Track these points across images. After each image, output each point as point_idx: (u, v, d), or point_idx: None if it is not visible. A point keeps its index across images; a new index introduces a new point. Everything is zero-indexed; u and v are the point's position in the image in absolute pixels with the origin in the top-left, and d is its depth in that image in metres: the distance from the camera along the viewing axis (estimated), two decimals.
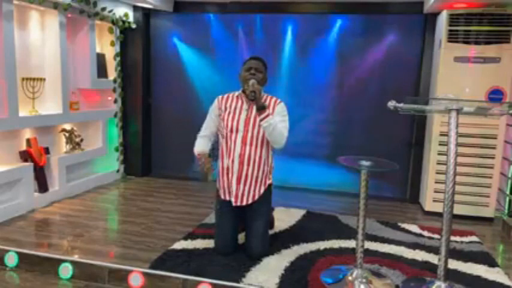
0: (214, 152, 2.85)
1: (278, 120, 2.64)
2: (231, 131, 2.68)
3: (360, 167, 2.37)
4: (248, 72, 2.69)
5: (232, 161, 2.68)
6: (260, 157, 2.69)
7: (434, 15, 3.96)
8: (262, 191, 2.73)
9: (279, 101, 2.75)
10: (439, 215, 2.53)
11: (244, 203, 2.71)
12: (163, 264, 2.55)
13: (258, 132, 2.65)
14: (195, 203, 3.93)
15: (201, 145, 2.79)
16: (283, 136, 2.64)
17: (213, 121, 2.80)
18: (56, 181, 3.89)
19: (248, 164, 2.67)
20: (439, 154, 3.76)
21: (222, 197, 2.76)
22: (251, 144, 2.67)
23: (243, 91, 2.69)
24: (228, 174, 2.71)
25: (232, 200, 2.71)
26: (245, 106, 2.70)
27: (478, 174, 3.69)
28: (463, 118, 2.56)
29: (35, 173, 3.62)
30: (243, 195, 2.70)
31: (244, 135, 2.67)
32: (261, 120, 2.57)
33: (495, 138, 3.64)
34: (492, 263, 2.79)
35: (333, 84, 4.50)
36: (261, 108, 2.56)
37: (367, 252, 2.75)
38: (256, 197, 2.72)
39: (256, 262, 2.63)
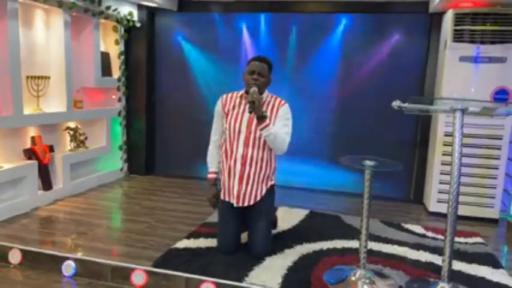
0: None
1: (280, 126, 2.63)
2: (234, 131, 2.68)
3: (364, 167, 2.36)
4: (251, 76, 2.64)
5: (235, 161, 2.67)
6: (262, 158, 2.68)
7: (440, 15, 3.94)
8: (264, 192, 2.72)
9: (283, 102, 2.73)
10: (443, 215, 2.52)
11: (245, 204, 2.70)
12: (166, 263, 2.55)
13: (261, 134, 2.64)
14: (198, 202, 3.93)
15: (211, 160, 2.83)
16: (284, 143, 2.63)
17: (220, 121, 2.80)
18: (60, 179, 3.91)
19: (250, 165, 2.66)
20: (443, 155, 3.74)
21: (223, 197, 2.76)
22: (253, 146, 2.66)
23: (246, 92, 2.68)
24: (229, 175, 2.71)
25: (234, 201, 2.70)
26: (248, 107, 2.68)
27: (482, 175, 3.66)
28: (468, 118, 2.55)
29: (39, 170, 3.64)
30: (244, 196, 2.69)
31: (246, 136, 2.66)
32: (261, 129, 2.56)
33: (500, 138, 3.61)
34: (496, 265, 2.77)
35: (337, 84, 4.48)
36: (261, 118, 2.54)
37: (371, 252, 2.74)
38: (258, 198, 2.71)
39: (259, 261, 2.63)
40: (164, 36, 4.88)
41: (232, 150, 2.69)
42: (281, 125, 2.64)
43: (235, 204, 2.70)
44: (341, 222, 3.50)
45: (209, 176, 2.84)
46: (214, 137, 2.84)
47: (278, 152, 2.68)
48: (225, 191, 2.75)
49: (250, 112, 2.53)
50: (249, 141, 2.66)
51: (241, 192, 2.69)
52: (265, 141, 2.65)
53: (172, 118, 4.95)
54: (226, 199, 2.74)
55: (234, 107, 2.72)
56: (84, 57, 4.22)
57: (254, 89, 2.55)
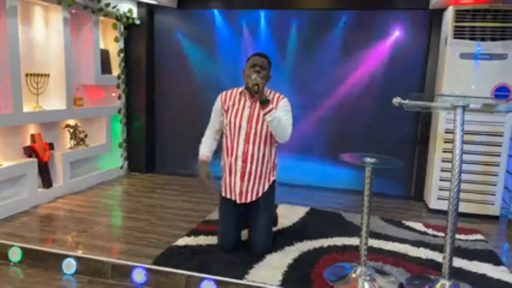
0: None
1: (282, 114, 2.63)
2: (234, 128, 2.67)
3: (364, 164, 2.35)
4: (252, 68, 2.66)
5: (236, 158, 2.67)
6: (263, 155, 2.68)
7: (440, 11, 3.92)
8: (266, 187, 2.73)
9: (282, 96, 2.74)
10: (444, 212, 2.51)
11: (248, 200, 2.70)
12: (167, 261, 2.55)
13: (262, 130, 2.63)
14: (198, 200, 3.93)
15: (205, 147, 2.82)
16: (287, 129, 2.62)
17: (217, 119, 2.80)
18: (60, 177, 3.91)
19: (251, 162, 2.66)
20: (444, 152, 3.73)
21: (225, 195, 2.75)
22: (254, 142, 2.65)
23: (246, 88, 2.68)
24: (231, 172, 2.70)
25: (237, 198, 2.70)
26: (248, 103, 2.68)
27: (483, 172, 3.66)
28: (469, 115, 2.54)
29: (39, 168, 3.64)
30: (246, 192, 2.69)
31: (247, 133, 2.65)
32: (264, 114, 2.55)
33: (501, 135, 3.61)
34: (497, 262, 2.78)
35: (337, 81, 4.46)
36: (265, 102, 2.53)
37: (371, 249, 2.74)
38: (260, 193, 2.71)
39: (259, 259, 2.62)
40: (164, 33, 4.87)
41: (233, 148, 2.68)
42: (283, 114, 2.64)
43: (238, 201, 2.70)
44: (341, 220, 3.50)
45: (200, 154, 2.80)
46: (209, 132, 2.85)
47: (281, 139, 2.64)
48: (226, 188, 2.74)
49: (255, 92, 2.50)
50: (250, 137, 2.65)
51: (243, 189, 2.69)
52: (266, 137, 2.65)
53: (172, 115, 4.94)
54: (228, 196, 2.73)
55: (234, 104, 2.72)
56: (84, 55, 4.21)
57: (255, 75, 2.57)
